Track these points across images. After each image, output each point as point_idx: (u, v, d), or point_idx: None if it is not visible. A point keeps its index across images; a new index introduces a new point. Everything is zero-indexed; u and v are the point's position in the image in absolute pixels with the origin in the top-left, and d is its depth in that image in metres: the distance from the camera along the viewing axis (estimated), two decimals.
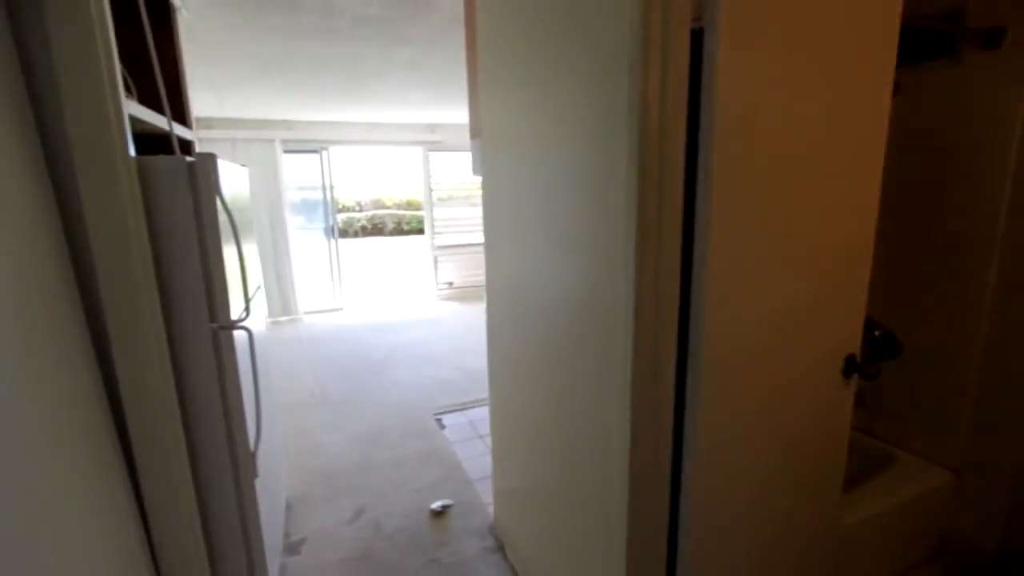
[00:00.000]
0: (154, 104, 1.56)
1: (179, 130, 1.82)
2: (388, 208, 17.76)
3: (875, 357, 1.87)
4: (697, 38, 0.96)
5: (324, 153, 5.86)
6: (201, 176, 1.36)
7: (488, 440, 2.83)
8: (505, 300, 1.76)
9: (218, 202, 1.41)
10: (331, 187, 6.01)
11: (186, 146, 1.98)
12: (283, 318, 5.67)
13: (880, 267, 1.68)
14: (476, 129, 2.07)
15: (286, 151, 5.60)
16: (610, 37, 1.00)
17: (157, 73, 1.38)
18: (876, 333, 1.89)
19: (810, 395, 1.28)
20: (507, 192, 1.64)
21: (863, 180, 1.21)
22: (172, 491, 1.36)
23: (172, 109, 1.93)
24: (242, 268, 1.53)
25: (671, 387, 1.09)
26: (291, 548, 2.05)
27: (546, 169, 1.36)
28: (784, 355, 1.20)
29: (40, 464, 0.95)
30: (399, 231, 16.84)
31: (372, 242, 15.43)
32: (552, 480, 1.54)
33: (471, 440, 2.88)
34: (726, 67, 0.94)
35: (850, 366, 1.32)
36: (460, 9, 2.25)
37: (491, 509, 2.19)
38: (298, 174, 6.50)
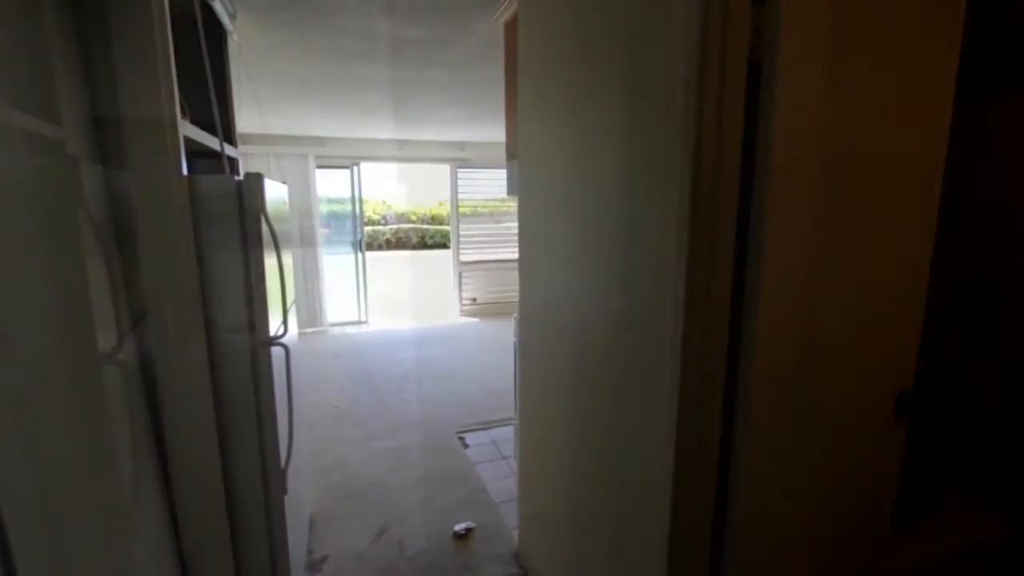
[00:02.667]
0: (205, 120, 1.61)
1: (226, 148, 1.88)
2: (412, 222, 18.00)
3: (923, 391, 1.80)
4: (752, 68, 0.95)
5: (355, 169, 5.98)
6: (247, 195, 1.39)
7: (512, 462, 2.80)
8: (540, 322, 1.75)
9: (262, 220, 1.44)
10: (360, 201, 6.11)
11: (232, 163, 2.04)
12: (309, 329, 5.75)
13: (934, 295, 1.62)
14: (513, 151, 2.09)
15: (319, 167, 5.73)
16: (664, 67, 0.99)
17: (214, 103, 1.43)
18: (922, 366, 1.81)
19: (860, 430, 1.23)
20: (545, 214, 1.63)
21: (920, 210, 1.17)
22: (204, 504, 1.37)
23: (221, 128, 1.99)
24: (282, 284, 1.55)
25: (718, 424, 1.06)
26: (313, 565, 2.04)
27: (588, 194, 1.35)
28: (833, 387, 1.15)
29: (84, 468, 0.97)
30: (423, 245, 17.03)
31: (396, 255, 15.63)
32: (587, 510, 1.50)
33: (495, 461, 2.84)
34: (784, 99, 0.92)
35: (903, 404, 1.26)
36: (496, 33, 2.29)
37: (515, 534, 2.15)
38: (328, 188, 6.64)
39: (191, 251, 1.27)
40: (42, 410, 0.88)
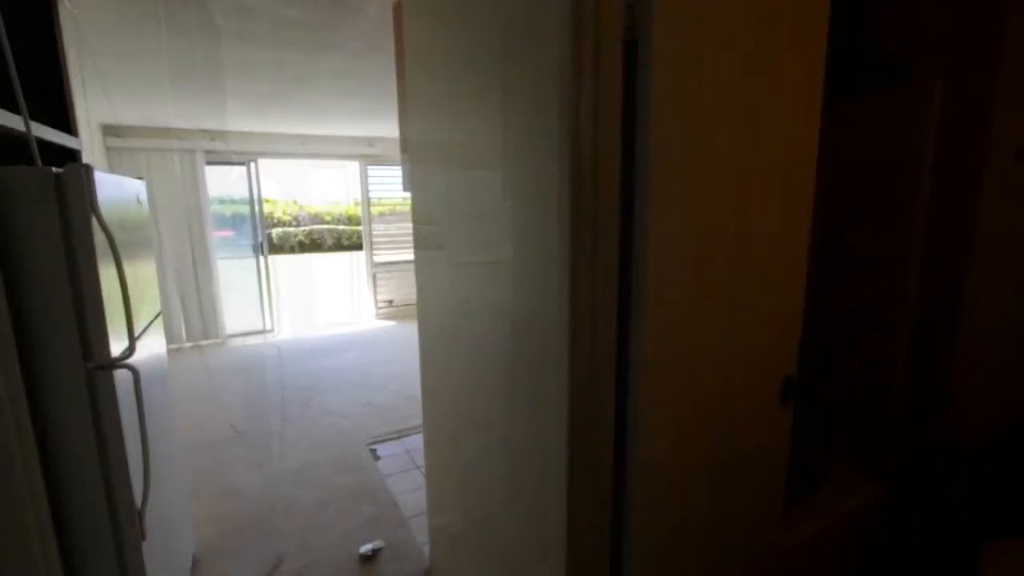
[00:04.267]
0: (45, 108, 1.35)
1: (61, 138, 1.59)
2: (327, 223, 17.13)
3: (806, 374, 1.90)
4: (633, 50, 0.90)
5: (252, 165, 5.51)
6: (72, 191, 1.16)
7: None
8: (438, 325, 1.64)
9: (92, 220, 1.20)
10: (259, 201, 5.64)
11: (71, 155, 1.75)
12: (204, 342, 5.22)
13: (811, 282, 1.70)
14: (406, 143, 1.96)
15: (209, 163, 5.22)
16: (542, 51, 0.92)
17: (12, 71, 1.17)
18: (806, 349, 1.91)
19: (748, 416, 1.24)
20: (438, 210, 1.53)
21: (797, 201, 1.19)
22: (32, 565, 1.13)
23: (53, 114, 1.69)
24: (125, 296, 1.32)
25: (611, 416, 1.01)
26: None
27: (476, 189, 1.26)
28: (721, 375, 1.15)
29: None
30: (339, 246, 16.23)
31: (309, 258, 14.80)
32: (489, 515, 1.42)
33: (408, 472, 2.69)
34: (660, 82, 0.88)
35: (788, 389, 1.29)
36: (390, 16, 2.14)
37: (427, 549, 2.03)
38: (226, 187, 6.08)
39: None
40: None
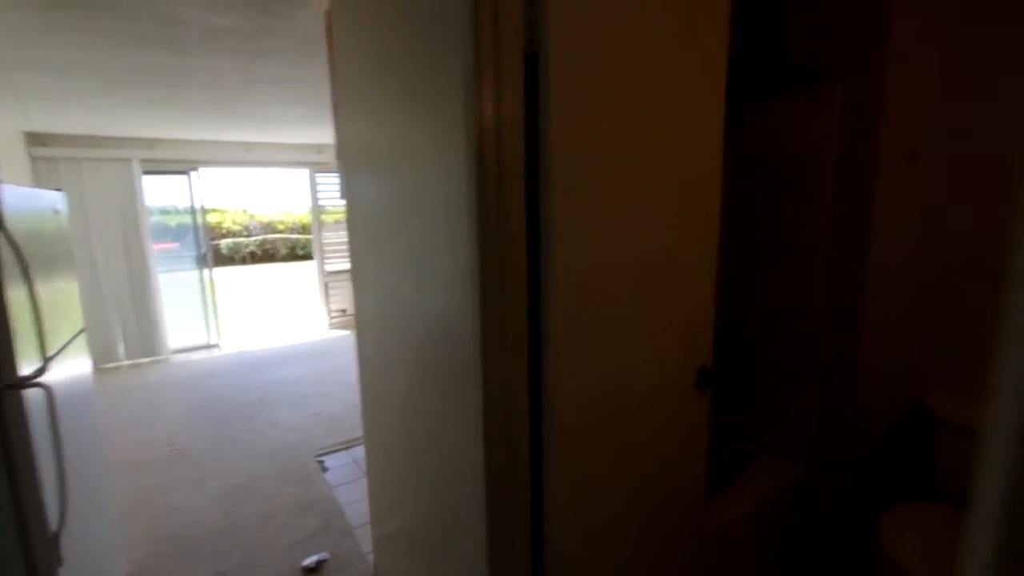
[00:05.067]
0: None
1: None
2: (280, 232, 16.67)
3: (733, 364, 2.01)
4: (533, 61, 0.95)
5: (193, 174, 5.32)
6: None
7: None
8: (374, 332, 1.65)
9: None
10: (202, 211, 5.45)
11: None
12: (144, 360, 4.99)
13: (737, 279, 1.80)
14: (342, 150, 1.96)
15: (147, 172, 5.01)
16: (446, 61, 0.96)
17: None
18: (734, 342, 2.03)
19: (665, 409, 1.30)
20: (369, 218, 1.54)
21: (703, 200, 1.27)
22: None
23: None
24: (36, 313, 1.27)
25: (525, 415, 1.05)
26: None
27: (403, 194, 1.29)
28: (636, 372, 1.21)
29: None
30: (293, 256, 15.83)
31: (262, 269, 14.36)
32: (424, 520, 1.43)
33: (356, 482, 2.66)
34: (559, 91, 0.94)
35: (703, 379, 1.37)
36: (321, 24, 2.15)
37: (372, 558, 2.01)
38: (170, 198, 5.85)
39: None
40: None
